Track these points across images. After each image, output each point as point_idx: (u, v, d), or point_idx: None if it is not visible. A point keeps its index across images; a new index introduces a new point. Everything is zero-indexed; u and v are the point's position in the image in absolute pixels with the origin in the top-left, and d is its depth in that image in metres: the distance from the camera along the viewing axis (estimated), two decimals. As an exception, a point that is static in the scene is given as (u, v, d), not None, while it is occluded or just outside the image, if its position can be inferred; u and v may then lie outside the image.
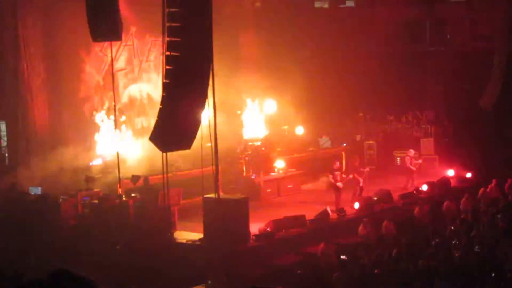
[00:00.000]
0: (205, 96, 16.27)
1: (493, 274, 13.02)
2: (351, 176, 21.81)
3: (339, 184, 21.01)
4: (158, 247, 17.32)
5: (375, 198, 21.65)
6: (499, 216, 17.80)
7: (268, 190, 24.00)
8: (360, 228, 18.51)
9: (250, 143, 24.98)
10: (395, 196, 22.20)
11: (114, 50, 21.64)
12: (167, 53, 15.99)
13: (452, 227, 17.14)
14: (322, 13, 31.80)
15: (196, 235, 17.93)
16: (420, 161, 25.16)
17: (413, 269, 13.66)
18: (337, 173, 21.19)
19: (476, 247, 14.75)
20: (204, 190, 17.88)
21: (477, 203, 20.55)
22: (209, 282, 14.52)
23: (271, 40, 29.40)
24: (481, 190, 21.81)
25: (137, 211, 19.22)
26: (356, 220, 19.48)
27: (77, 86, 24.94)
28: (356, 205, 20.89)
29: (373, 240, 17.98)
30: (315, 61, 28.79)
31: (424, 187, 23.06)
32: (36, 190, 20.48)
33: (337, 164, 22.06)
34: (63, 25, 24.08)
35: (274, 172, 24.61)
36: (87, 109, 24.84)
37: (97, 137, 23.23)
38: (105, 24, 17.79)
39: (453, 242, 15.55)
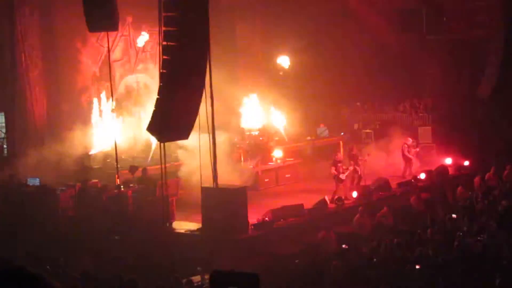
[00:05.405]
0: (202, 86, 16.24)
1: (490, 262, 13.06)
2: (351, 168, 21.77)
3: (342, 176, 21.01)
4: (156, 237, 17.33)
5: (373, 187, 21.66)
6: (496, 203, 17.85)
7: (266, 180, 23.99)
8: (356, 217, 18.55)
9: (247, 133, 24.96)
10: (393, 184, 22.22)
11: (110, 40, 21.61)
12: (164, 43, 15.97)
13: (452, 215, 17.17)
14: (318, 3, 31.69)
15: (195, 225, 17.95)
16: (417, 149, 25.15)
17: (411, 257, 13.69)
18: (340, 164, 21.18)
19: (475, 235, 14.77)
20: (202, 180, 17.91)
21: (475, 191, 20.56)
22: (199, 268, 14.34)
23: (267, 30, 29.37)
24: (479, 177, 21.83)
25: (135, 202, 19.23)
26: (354, 209, 19.52)
27: (74, 77, 24.97)
28: (354, 194, 20.91)
29: (369, 228, 18.02)
30: (311, 50, 28.72)
31: (422, 175, 23.08)
32: (35, 181, 20.46)
33: (339, 155, 22.03)
34: (60, 16, 24.08)
35: (272, 161, 24.61)
36: (85, 99, 24.86)
37: (94, 127, 23.22)
38: (101, 15, 17.77)
39: (451, 230, 15.59)
